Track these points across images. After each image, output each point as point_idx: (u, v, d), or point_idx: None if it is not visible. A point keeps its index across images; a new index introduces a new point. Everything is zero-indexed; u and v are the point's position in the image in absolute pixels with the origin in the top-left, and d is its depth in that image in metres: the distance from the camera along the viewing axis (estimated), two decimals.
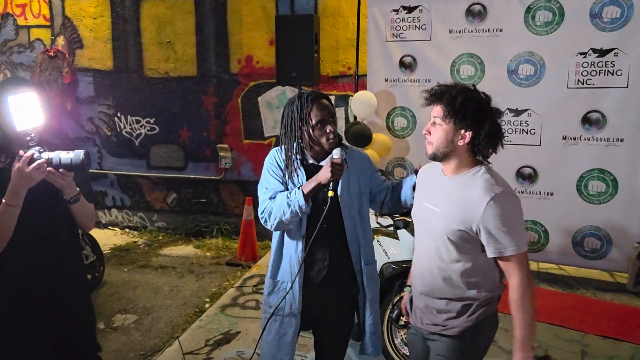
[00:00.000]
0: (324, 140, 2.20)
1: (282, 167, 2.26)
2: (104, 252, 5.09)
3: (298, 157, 2.25)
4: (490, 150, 1.86)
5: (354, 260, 2.31)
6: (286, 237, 2.29)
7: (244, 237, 5.32)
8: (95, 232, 5.31)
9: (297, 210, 2.11)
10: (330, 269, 2.27)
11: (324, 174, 2.09)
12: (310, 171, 2.22)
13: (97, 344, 2.28)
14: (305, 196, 2.11)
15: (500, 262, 1.85)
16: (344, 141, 2.35)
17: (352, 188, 2.28)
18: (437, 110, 1.86)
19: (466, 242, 1.84)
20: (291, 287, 2.24)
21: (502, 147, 1.88)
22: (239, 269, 5.11)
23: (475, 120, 1.80)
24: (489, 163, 1.91)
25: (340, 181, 2.18)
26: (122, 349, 3.66)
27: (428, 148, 1.90)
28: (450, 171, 1.91)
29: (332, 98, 5.46)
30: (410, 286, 2.19)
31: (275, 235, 2.33)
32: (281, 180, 2.25)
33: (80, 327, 2.17)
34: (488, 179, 1.81)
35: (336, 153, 2.15)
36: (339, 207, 2.23)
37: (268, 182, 2.27)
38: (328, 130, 2.19)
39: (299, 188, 2.15)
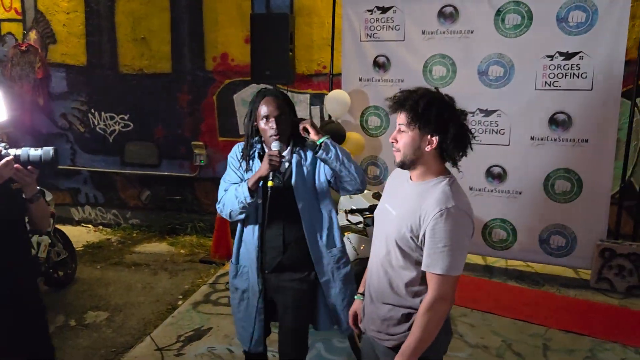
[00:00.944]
0: (267, 135, 2.33)
1: (240, 160, 2.42)
2: (77, 249, 5.06)
3: (257, 150, 2.40)
4: (460, 154, 1.82)
5: (312, 249, 2.40)
6: (245, 225, 2.46)
7: (218, 235, 5.32)
8: (67, 229, 5.26)
9: (244, 202, 2.28)
10: (284, 256, 2.41)
11: (263, 167, 2.25)
12: None
13: (51, 346, 2.25)
14: (249, 189, 2.26)
15: (427, 274, 1.80)
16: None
17: (308, 179, 2.40)
18: (402, 117, 1.82)
19: (412, 250, 1.82)
20: (248, 270, 2.44)
21: (472, 149, 1.84)
22: (213, 267, 5.11)
23: (440, 124, 1.76)
24: (459, 171, 1.88)
25: (293, 173, 2.35)
26: (93, 345, 3.66)
27: (396, 156, 1.87)
28: (415, 177, 1.88)
29: (307, 97, 5.50)
30: (362, 294, 2.14)
31: (239, 223, 2.48)
32: (239, 174, 2.41)
33: (28, 327, 2.12)
34: (446, 191, 1.77)
35: (274, 146, 2.28)
36: (294, 198, 2.36)
37: (228, 174, 2.45)
38: (269, 126, 2.30)
39: (245, 181, 2.31)
